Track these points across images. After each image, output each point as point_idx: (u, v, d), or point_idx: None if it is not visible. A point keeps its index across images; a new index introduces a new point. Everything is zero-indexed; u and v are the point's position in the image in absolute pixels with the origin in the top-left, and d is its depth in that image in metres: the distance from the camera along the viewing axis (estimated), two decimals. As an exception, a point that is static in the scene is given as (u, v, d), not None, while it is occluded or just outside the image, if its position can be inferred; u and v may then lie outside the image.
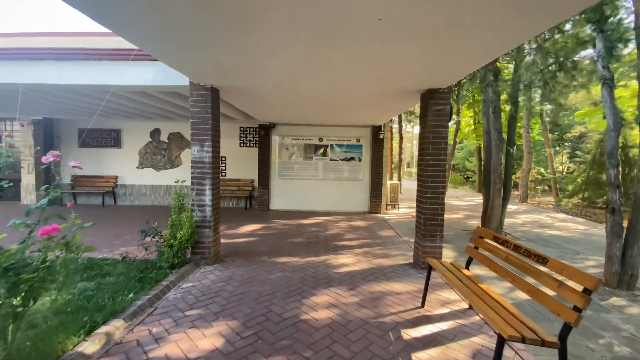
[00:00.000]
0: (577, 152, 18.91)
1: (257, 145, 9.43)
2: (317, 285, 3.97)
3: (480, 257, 3.27)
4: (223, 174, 9.88)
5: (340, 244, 5.94)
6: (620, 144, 13.33)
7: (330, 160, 9.28)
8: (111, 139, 10.12)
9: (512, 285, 2.90)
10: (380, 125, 9.00)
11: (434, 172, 4.57)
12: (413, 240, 6.40)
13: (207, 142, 4.52)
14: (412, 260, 5.03)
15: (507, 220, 9.26)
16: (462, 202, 13.31)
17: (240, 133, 9.80)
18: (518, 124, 13.11)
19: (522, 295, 3.99)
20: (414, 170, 36.47)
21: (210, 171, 4.55)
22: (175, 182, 4.62)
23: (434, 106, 4.51)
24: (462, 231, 7.68)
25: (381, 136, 8.93)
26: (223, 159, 9.85)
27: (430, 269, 3.54)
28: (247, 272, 4.38)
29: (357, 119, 8.21)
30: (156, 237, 4.41)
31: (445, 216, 9.92)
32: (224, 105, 6.58)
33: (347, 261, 4.94)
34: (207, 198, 4.57)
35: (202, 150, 4.53)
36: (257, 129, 9.36)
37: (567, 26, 5.79)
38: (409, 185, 19.22)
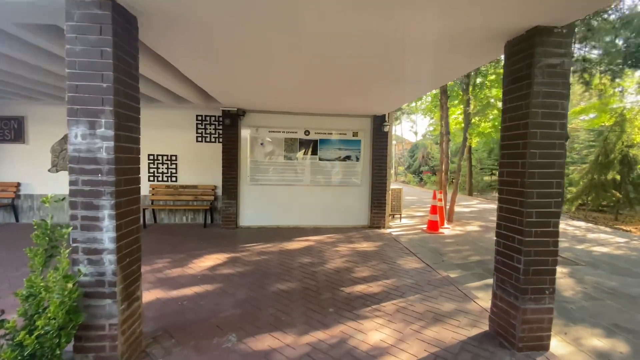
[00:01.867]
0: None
1: (221, 139, 7.00)
2: None
3: None
4: (174, 178, 7.32)
5: (355, 290, 3.76)
6: (626, 143, 12.49)
7: (320, 160, 7.08)
8: (10, 130, 7.16)
9: None
10: (384, 115, 6.97)
11: (542, 177, 2.54)
12: (454, 274, 4.39)
13: (105, 118, 2.14)
14: (487, 327, 2.98)
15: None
16: (463, 208, 11.71)
17: (197, 123, 7.30)
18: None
19: None
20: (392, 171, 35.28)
21: (113, 179, 2.17)
22: (42, 201, 2.20)
23: (544, 59, 2.49)
24: (499, 253, 5.80)
25: (386, 129, 6.90)
26: (174, 158, 7.29)
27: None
28: (194, 395, 2.06)
29: (358, 105, 6.10)
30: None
31: (459, 229, 8.09)
32: (159, 67, 4.15)
33: (382, 338, 2.77)
34: (107, 235, 2.19)
35: (92, 135, 2.14)
36: (221, 118, 6.93)
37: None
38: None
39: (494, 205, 12.74)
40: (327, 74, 4.01)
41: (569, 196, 13.30)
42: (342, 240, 6.04)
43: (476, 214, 10.28)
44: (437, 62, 3.53)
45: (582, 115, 14.30)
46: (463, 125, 13.09)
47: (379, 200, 7.10)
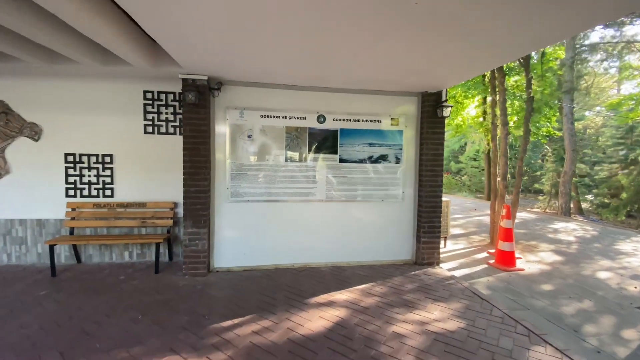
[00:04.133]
0: (585, 150, 16.54)
1: (181, 129, 4.32)
2: None
3: None
4: (107, 191, 4.60)
5: None
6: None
7: (341, 161, 4.55)
8: None
9: None
10: (440, 92, 4.53)
11: None
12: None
13: None
14: None
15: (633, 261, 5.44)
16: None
17: (145, 104, 4.61)
18: (550, 114, 9.71)
19: None
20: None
21: None
22: None
23: None
24: (651, 316, 3.48)
25: (446, 112, 4.45)
26: (107, 159, 4.58)
27: None
28: None
29: (405, 69, 3.63)
30: None
31: (533, 259, 5.35)
32: None
33: None
34: None
35: None
36: (181, 95, 4.24)
37: None
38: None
39: (531, 215, 10.62)
40: None
41: (613, 203, 11.36)
42: (392, 301, 3.52)
43: (525, 229, 8.03)
44: None
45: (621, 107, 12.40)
46: (483, 116, 10.93)
47: (430, 223, 4.64)
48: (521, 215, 10.50)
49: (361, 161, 4.60)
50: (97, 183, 4.58)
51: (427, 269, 4.58)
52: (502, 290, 4.00)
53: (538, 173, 17.26)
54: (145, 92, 4.58)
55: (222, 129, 4.27)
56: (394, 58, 3.21)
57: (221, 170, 4.30)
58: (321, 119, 4.46)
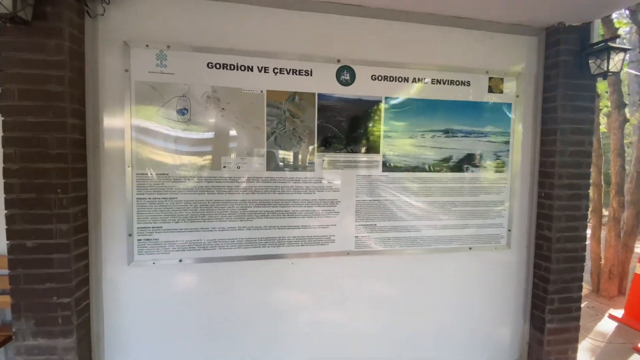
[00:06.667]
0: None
1: None
2: None
3: None
4: None
5: None
6: None
7: (387, 168, 2.16)
8: None
9: None
10: (588, 26, 2.17)
11: None
12: None
13: None
14: None
15: None
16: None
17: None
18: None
19: None
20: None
21: None
22: None
23: None
24: None
25: (613, 64, 2.07)
26: None
27: None
28: None
29: None
30: None
31: None
32: None
33: None
34: None
35: None
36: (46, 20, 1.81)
37: None
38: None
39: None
40: None
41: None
42: None
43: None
44: None
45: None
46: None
47: (565, 293, 2.29)
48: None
49: (429, 168, 2.21)
50: None
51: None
52: None
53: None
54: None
55: (114, 93, 1.82)
56: None
57: (114, 192, 1.85)
58: (345, 74, 2.06)
